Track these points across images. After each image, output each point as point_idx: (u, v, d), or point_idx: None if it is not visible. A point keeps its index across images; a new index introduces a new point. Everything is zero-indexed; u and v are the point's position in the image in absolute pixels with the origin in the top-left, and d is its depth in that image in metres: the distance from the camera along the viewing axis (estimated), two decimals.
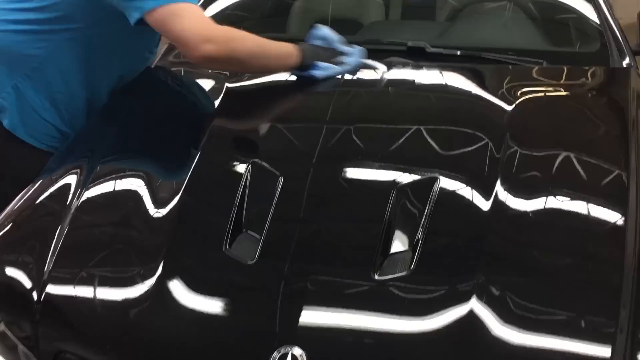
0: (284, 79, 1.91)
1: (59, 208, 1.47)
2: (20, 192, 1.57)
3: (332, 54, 1.83)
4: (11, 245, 1.42)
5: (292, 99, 1.88)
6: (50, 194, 1.53)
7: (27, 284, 1.31)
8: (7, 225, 1.47)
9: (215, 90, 1.88)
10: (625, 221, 1.35)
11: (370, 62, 1.88)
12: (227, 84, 1.87)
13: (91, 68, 1.83)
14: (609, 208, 1.41)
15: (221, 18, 2.40)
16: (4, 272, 1.35)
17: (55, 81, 1.81)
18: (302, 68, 1.80)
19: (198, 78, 2.00)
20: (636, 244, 1.29)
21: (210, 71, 1.99)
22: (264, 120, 1.76)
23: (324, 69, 1.79)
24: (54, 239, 1.37)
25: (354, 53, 1.85)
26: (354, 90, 1.86)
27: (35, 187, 1.57)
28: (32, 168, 1.75)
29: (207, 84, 1.94)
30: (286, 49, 1.77)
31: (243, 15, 2.61)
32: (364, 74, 1.92)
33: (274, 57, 1.76)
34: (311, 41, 1.86)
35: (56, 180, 1.57)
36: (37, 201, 1.51)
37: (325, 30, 1.86)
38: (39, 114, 1.83)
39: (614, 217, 1.38)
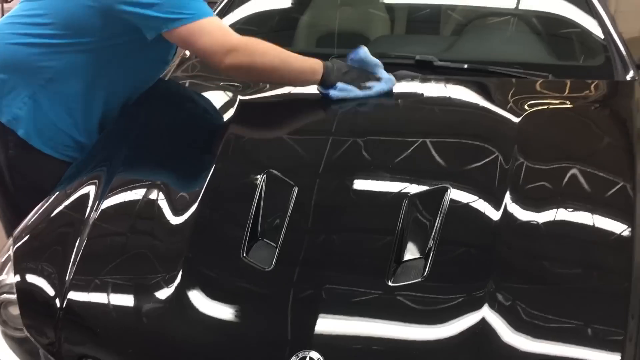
0: (297, 91, 1.96)
1: (78, 217, 1.50)
2: (38, 202, 1.61)
3: (359, 77, 1.83)
4: (32, 254, 1.46)
5: (305, 111, 1.91)
6: (69, 204, 1.56)
7: (50, 291, 1.34)
8: (27, 235, 1.50)
9: (228, 102, 1.92)
10: (632, 231, 1.38)
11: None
12: (240, 96, 1.92)
13: (106, 78, 1.87)
14: (615, 219, 1.44)
15: None
16: (26, 280, 1.39)
17: (70, 91, 1.84)
18: (323, 85, 1.83)
19: (211, 90, 2.05)
20: None
21: (222, 83, 2.04)
22: (278, 132, 1.80)
23: (341, 90, 1.82)
24: (74, 248, 1.41)
25: (383, 80, 1.86)
26: (365, 103, 1.90)
27: (53, 197, 1.60)
28: (48, 177, 1.79)
29: (220, 96, 1.99)
30: (310, 65, 1.80)
31: (251, 30, 2.66)
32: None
33: (295, 71, 1.81)
34: (349, 61, 1.88)
35: (74, 191, 1.60)
36: (57, 211, 1.55)
37: (362, 53, 1.86)
38: (54, 123, 1.86)
39: (620, 227, 1.42)
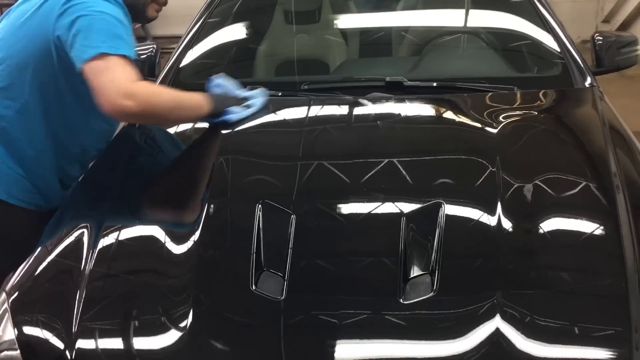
0: (279, 119, 1.97)
1: (74, 265, 1.46)
2: (8, 253, 1.59)
3: (237, 100, 1.93)
4: (29, 307, 1.41)
5: (289, 139, 1.93)
6: (62, 253, 1.52)
7: (56, 342, 1.30)
8: (21, 289, 1.45)
9: (211, 137, 1.91)
10: (618, 231, 1.44)
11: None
12: (222, 130, 1.91)
13: (58, 123, 1.83)
14: (601, 220, 1.51)
15: (193, 66, 2.47)
16: (27, 333, 1.34)
17: (23, 137, 1.81)
18: (214, 116, 1.87)
19: (191, 127, 2.03)
20: (635, 254, 1.38)
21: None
22: (267, 161, 1.80)
23: (236, 113, 1.88)
24: (76, 297, 1.37)
25: (256, 95, 1.96)
26: (346, 127, 1.92)
27: (42, 249, 1.56)
28: (14, 226, 1.77)
29: (201, 131, 1.97)
30: (197, 100, 1.83)
31: (212, 63, 2.66)
32: (357, 110, 2.00)
33: (188, 109, 1.83)
34: (211, 91, 1.93)
35: (64, 240, 1.56)
36: (49, 262, 1.51)
37: (220, 80, 1.95)
38: (11, 169, 1.82)
39: (607, 229, 1.48)
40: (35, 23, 1.74)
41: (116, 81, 1.66)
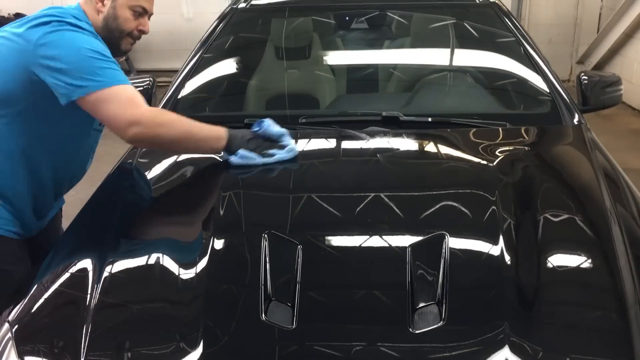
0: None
1: (79, 295, 1.45)
2: None
3: (262, 144, 1.89)
4: (34, 337, 1.38)
5: (294, 170, 1.95)
6: (66, 283, 1.51)
7: None
8: (25, 319, 1.43)
9: (214, 170, 1.93)
10: (617, 264, 1.48)
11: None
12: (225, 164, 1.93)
13: (33, 149, 1.82)
14: (598, 250, 1.55)
15: (187, 101, 2.50)
16: None
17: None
18: (227, 151, 1.87)
19: (191, 159, 2.05)
20: (635, 285, 1.42)
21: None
22: (271, 192, 1.82)
23: (242, 157, 1.85)
24: (83, 327, 1.35)
25: (286, 149, 1.89)
26: (348, 161, 1.95)
27: (44, 279, 1.54)
28: None
29: (205, 164, 1.98)
30: (216, 133, 1.84)
31: (206, 97, 2.70)
32: (356, 144, 2.03)
33: (201, 141, 1.83)
34: (255, 129, 1.91)
35: (67, 270, 1.55)
36: (53, 292, 1.49)
37: (266, 124, 1.91)
38: None
39: (606, 260, 1.52)
40: (8, 55, 1.72)
41: (119, 113, 1.68)
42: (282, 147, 1.90)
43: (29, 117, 1.76)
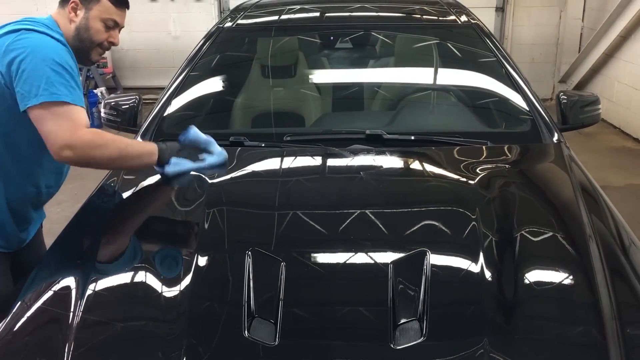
0: (264, 169, 2.02)
1: (62, 313, 1.45)
2: None
3: (191, 153, 1.95)
4: (16, 356, 1.38)
5: (277, 187, 1.97)
6: (49, 301, 1.51)
7: None
8: (7, 336, 1.43)
9: (198, 186, 1.94)
10: (594, 279, 1.51)
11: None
12: (207, 179, 1.95)
13: (7, 161, 1.84)
14: (576, 268, 1.58)
15: (173, 119, 2.51)
16: None
17: None
18: (160, 164, 1.91)
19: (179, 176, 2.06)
20: (611, 301, 1.45)
21: None
22: (256, 210, 1.83)
23: (175, 165, 1.90)
24: (65, 344, 1.35)
25: (215, 154, 1.96)
26: (332, 177, 1.97)
27: (27, 297, 1.54)
28: None
29: (189, 178, 2.00)
30: (148, 149, 1.89)
31: (192, 114, 2.72)
32: (339, 162, 2.05)
33: (136, 158, 1.87)
34: (181, 142, 1.97)
35: (50, 288, 1.55)
36: (36, 310, 1.49)
37: (192, 132, 1.98)
38: None
39: (583, 276, 1.54)
40: None
41: (56, 132, 1.70)
42: (210, 153, 1.97)
43: (2, 123, 1.78)
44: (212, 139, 1.99)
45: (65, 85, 1.72)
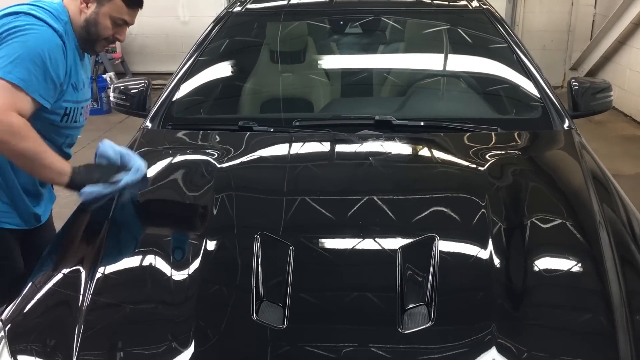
0: (273, 155, 2.02)
1: (72, 294, 1.46)
2: None
3: (104, 174, 1.78)
4: (27, 336, 1.39)
5: (287, 173, 1.97)
6: (59, 282, 1.53)
7: None
8: (19, 317, 1.44)
9: (209, 169, 1.94)
10: (604, 266, 1.51)
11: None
12: (217, 164, 1.95)
13: None
14: (586, 255, 1.58)
15: (182, 103, 2.51)
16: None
17: None
18: (73, 187, 1.77)
19: (190, 156, 2.06)
20: (620, 288, 1.44)
21: (202, 150, 2.10)
22: (265, 196, 1.84)
23: (87, 194, 1.75)
24: (75, 325, 1.37)
25: (132, 170, 1.79)
26: (343, 164, 1.97)
27: (38, 277, 1.56)
28: None
29: (198, 163, 2.00)
30: (60, 167, 1.76)
31: (200, 99, 2.72)
32: (348, 147, 2.03)
33: (45, 168, 1.75)
34: (97, 159, 1.83)
35: (61, 270, 1.57)
36: (47, 290, 1.51)
37: (105, 147, 1.83)
38: None
39: (593, 263, 1.54)
40: None
41: None
42: (128, 169, 1.79)
43: None
44: (127, 152, 1.83)
45: (31, 75, 1.69)
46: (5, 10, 1.78)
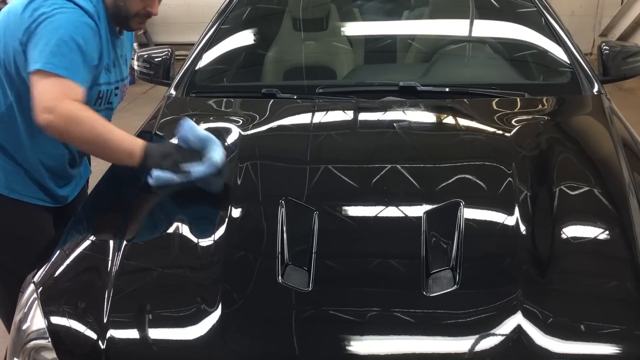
0: (298, 123, 2.02)
1: (102, 258, 1.49)
2: (16, 249, 1.71)
3: (179, 160, 1.66)
4: (59, 298, 1.43)
5: (311, 139, 1.96)
6: (89, 246, 1.56)
7: (88, 333, 1.33)
8: (50, 280, 1.48)
9: (233, 139, 1.95)
10: (633, 233, 1.48)
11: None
12: (241, 131, 1.95)
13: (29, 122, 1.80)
14: (615, 222, 1.55)
15: (206, 72, 2.51)
16: (58, 324, 1.37)
17: (7, 136, 1.83)
18: (143, 168, 1.70)
19: (215, 124, 2.07)
20: None
21: (226, 117, 2.11)
22: (288, 161, 1.84)
23: (155, 179, 1.66)
24: (105, 288, 1.40)
25: (206, 163, 1.64)
26: (366, 130, 1.96)
27: (68, 241, 1.59)
28: (15, 220, 1.80)
29: (223, 131, 2.01)
30: (129, 148, 1.68)
31: (223, 68, 2.71)
32: (373, 114, 2.02)
33: (112, 151, 1.70)
34: (178, 140, 1.71)
35: (90, 233, 1.61)
36: (77, 254, 1.54)
37: (187, 129, 1.69)
38: (8, 164, 1.84)
39: (622, 230, 1.52)
40: (6, 24, 1.75)
41: (41, 95, 1.65)
42: (202, 158, 1.65)
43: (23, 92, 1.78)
44: (209, 138, 1.67)
45: (67, 60, 1.68)
46: None
